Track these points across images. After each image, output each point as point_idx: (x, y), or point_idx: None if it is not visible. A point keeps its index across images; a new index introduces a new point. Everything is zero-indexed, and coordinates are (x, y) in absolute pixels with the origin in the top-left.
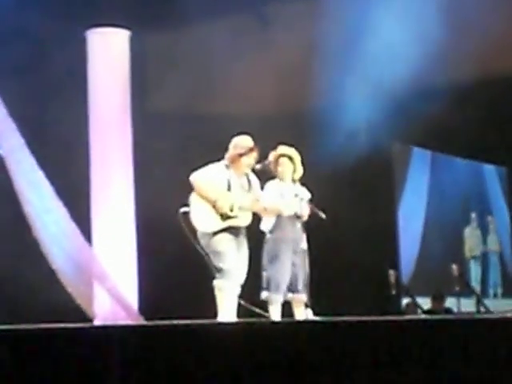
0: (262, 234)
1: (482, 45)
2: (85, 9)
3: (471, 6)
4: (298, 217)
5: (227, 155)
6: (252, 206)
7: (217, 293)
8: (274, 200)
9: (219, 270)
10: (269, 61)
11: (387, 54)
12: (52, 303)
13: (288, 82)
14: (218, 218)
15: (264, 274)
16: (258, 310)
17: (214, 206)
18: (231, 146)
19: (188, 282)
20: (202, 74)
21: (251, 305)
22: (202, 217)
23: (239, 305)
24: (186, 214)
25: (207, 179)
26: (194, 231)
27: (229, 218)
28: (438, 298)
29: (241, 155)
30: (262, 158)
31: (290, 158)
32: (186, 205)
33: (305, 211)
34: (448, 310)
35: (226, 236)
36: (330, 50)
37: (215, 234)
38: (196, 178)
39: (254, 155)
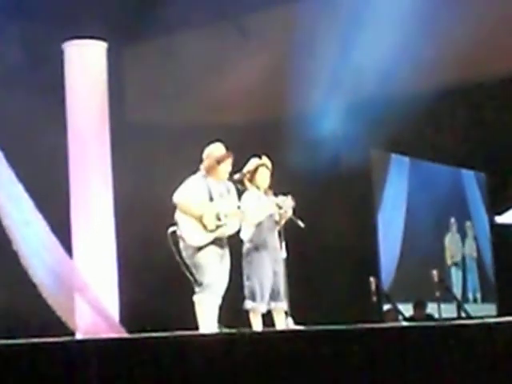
0: (241, 242)
1: (459, 52)
2: (62, 21)
3: (447, 13)
4: (277, 224)
5: (203, 166)
6: (235, 211)
7: (197, 307)
8: (253, 206)
9: (200, 284)
10: (245, 71)
11: (365, 62)
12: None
13: (264, 91)
14: (207, 229)
15: (247, 283)
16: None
17: (200, 222)
18: (205, 156)
19: (169, 293)
20: (178, 85)
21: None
22: (191, 232)
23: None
24: (174, 233)
25: (189, 196)
26: (180, 250)
27: (218, 227)
28: (419, 306)
29: (218, 162)
30: (237, 167)
31: (268, 168)
32: (173, 224)
33: (282, 216)
34: (429, 316)
35: (210, 249)
36: (307, 59)
37: (200, 247)
38: (178, 198)
39: (230, 161)
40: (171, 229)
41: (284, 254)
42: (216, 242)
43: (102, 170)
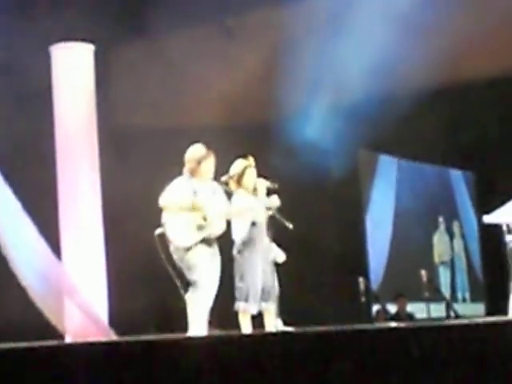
0: (232, 243)
1: (446, 51)
2: (49, 23)
3: (434, 13)
4: (267, 225)
5: (185, 169)
6: (222, 211)
7: (188, 306)
8: (244, 207)
9: (192, 284)
10: (231, 72)
11: (352, 61)
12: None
13: (251, 92)
14: (194, 230)
15: (239, 284)
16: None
17: (188, 214)
18: (186, 158)
19: (158, 295)
20: (164, 88)
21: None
22: (178, 232)
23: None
24: (162, 235)
25: (175, 197)
26: (168, 253)
27: (203, 227)
28: (398, 297)
29: (199, 163)
30: (223, 169)
31: (254, 168)
32: (160, 226)
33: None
34: (410, 316)
35: (200, 249)
36: (292, 61)
37: (190, 247)
38: (164, 200)
39: (212, 160)
40: (158, 230)
41: (283, 257)
42: (205, 241)
43: (89, 172)
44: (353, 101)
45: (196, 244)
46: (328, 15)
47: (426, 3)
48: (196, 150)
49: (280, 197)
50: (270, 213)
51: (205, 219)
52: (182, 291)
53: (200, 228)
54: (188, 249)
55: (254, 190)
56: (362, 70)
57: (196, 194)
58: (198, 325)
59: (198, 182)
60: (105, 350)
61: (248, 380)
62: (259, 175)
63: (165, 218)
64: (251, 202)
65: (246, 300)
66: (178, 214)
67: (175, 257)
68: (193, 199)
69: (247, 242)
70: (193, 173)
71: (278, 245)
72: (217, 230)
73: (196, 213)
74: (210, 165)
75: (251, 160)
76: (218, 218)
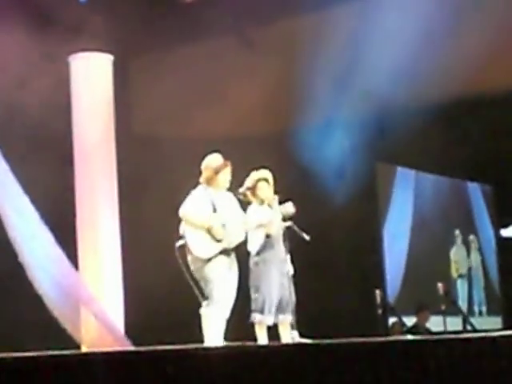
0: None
1: (465, 65)
2: (68, 34)
3: (454, 27)
4: (283, 235)
5: (202, 178)
6: (240, 220)
7: (204, 321)
8: (261, 217)
9: (208, 298)
10: (250, 83)
11: (371, 74)
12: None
13: (270, 104)
14: (214, 241)
15: (255, 296)
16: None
17: (209, 233)
18: (203, 167)
19: (174, 306)
20: (183, 98)
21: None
22: (198, 244)
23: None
24: (182, 247)
25: (194, 208)
26: (187, 265)
27: (223, 237)
28: (421, 310)
29: (216, 173)
30: (240, 179)
31: (268, 181)
32: (181, 237)
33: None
34: (427, 330)
35: (218, 262)
36: (312, 73)
37: (209, 259)
38: (185, 211)
39: (229, 169)
40: (179, 242)
41: (291, 270)
42: (224, 253)
43: (107, 181)
44: (371, 113)
45: (215, 256)
46: (347, 28)
47: (443, 17)
48: (213, 160)
49: (296, 208)
50: (287, 224)
51: (222, 229)
52: (202, 302)
53: (220, 237)
54: (207, 260)
55: (270, 202)
56: (380, 82)
57: (214, 203)
58: (214, 338)
59: (214, 191)
60: (121, 360)
61: None
62: (275, 189)
63: (183, 228)
64: (266, 214)
65: (262, 311)
66: (197, 225)
67: (192, 267)
68: (211, 209)
69: (262, 254)
70: (209, 182)
71: (295, 256)
72: (235, 239)
73: (215, 222)
74: (226, 175)
75: (263, 172)
76: (236, 226)
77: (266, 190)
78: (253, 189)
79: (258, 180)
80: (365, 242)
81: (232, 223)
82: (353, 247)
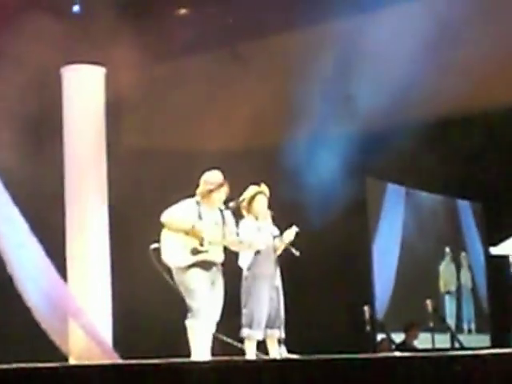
0: (240, 270)
1: (458, 83)
2: (60, 45)
3: (451, 44)
4: (274, 252)
5: (198, 191)
6: (225, 240)
7: (189, 332)
8: (251, 235)
9: (190, 309)
10: (242, 98)
11: (362, 91)
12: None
13: (261, 119)
14: (188, 252)
15: (244, 311)
16: (237, 344)
17: (187, 236)
18: (201, 181)
19: (162, 318)
20: (175, 111)
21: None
22: (172, 252)
23: (215, 339)
24: (157, 249)
25: (177, 216)
26: (165, 267)
27: (199, 252)
28: (411, 328)
29: (211, 191)
30: (235, 195)
31: (265, 196)
32: (157, 241)
33: (279, 246)
34: (414, 348)
35: (198, 273)
36: (304, 88)
37: (188, 269)
38: (166, 215)
39: (225, 190)
40: (153, 245)
41: (279, 282)
42: (204, 265)
43: (97, 194)
44: (362, 129)
45: (189, 267)
46: (338, 44)
47: (432, 35)
48: (212, 176)
49: (286, 223)
50: (283, 246)
51: (201, 244)
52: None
53: (194, 252)
54: (186, 270)
55: (264, 216)
56: (372, 99)
57: (201, 218)
58: (199, 350)
59: (205, 206)
60: (108, 373)
61: None
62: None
63: (163, 234)
64: (257, 230)
65: (251, 326)
66: (176, 234)
67: (176, 279)
68: (194, 222)
69: (253, 269)
70: (204, 197)
71: (284, 272)
72: (212, 256)
73: (193, 235)
74: (220, 194)
75: (263, 186)
76: (216, 245)
77: (263, 205)
78: (250, 201)
79: (258, 192)
80: (354, 257)
81: (211, 241)
82: (342, 262)
